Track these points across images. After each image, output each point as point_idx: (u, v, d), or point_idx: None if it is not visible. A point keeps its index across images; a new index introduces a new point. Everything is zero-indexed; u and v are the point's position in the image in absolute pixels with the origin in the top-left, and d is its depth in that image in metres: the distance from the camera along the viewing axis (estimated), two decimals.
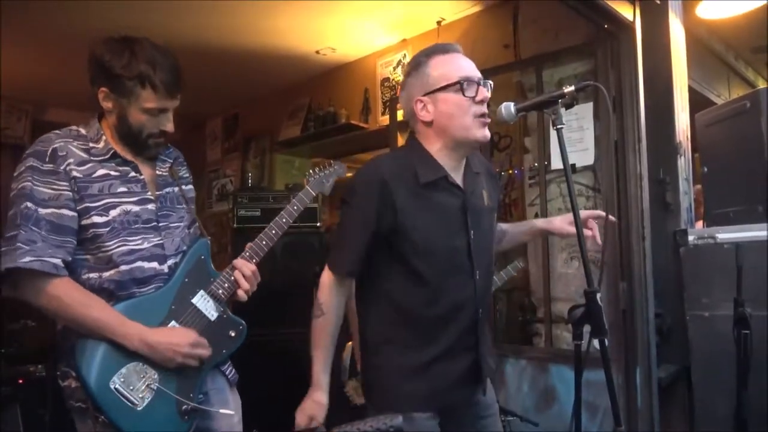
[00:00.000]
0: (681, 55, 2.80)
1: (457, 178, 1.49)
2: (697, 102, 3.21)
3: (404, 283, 1.44)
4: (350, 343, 2.29)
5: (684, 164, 2.70)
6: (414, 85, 1.47)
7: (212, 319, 1.49)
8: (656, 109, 2.61)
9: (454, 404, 1.49)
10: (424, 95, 1.44)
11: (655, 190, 2.58)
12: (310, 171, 1.75)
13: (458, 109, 1.42)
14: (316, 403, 1.42)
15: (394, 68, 3.82)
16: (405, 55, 3.75)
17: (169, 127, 1.48)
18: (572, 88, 1.32)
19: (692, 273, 2.43)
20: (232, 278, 1.51)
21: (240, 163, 5.07)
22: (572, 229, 1.55)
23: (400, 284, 1.44)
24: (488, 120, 1.45)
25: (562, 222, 1.65)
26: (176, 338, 1.39)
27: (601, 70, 2.62)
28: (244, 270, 1.51)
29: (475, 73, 1.46)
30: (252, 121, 5.02)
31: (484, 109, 1.44)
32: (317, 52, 3.94)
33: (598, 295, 1.24)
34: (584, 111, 2.66)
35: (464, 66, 1.46)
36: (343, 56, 4.04)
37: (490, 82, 1.49)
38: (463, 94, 1.42)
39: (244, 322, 1.55)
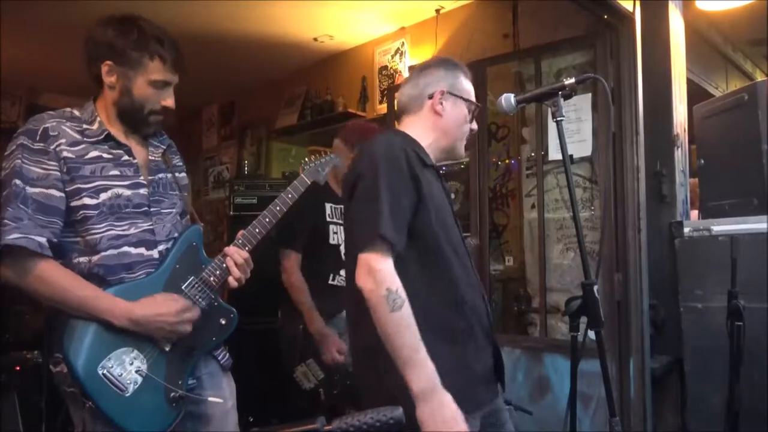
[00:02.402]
0: (680, 47, 2.78)
1: None
2: (696, 94, 3.19)
3: (430, 265, 1.32)
4: (300, 326, 2.30)
5: (681, 156, 2.68)
6: (443, 77, 1.51)
7: (202, 306, 1.47)
8: (654, 101, 2.60)
9: (491, 400, 1.40)
10: (449, 92, 1.50)
11: (652, 182, 2.57)
12: (306, 159, 1.75)
13: (463, 122, 1.53)
14: (456, 412, 1.15)
15: (392, 56, 3.78)
16: (403, 43, 3.72)
17: (170, 102, 1.48)
18: (573, 80, 1.31)
19: (687, 265, 2.43)
20: (224, 265, 1.49)
21: (236, 150, 5.04)
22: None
23: (427, 266, 1.32)
24: (465, 141, 1.56)
25: None
26: (161, 308, 1.38)
27: (600, 61, 2.60)
28: (236, 257, 1.48)
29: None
30: (249, 109, 4.98)
31: (470, 128, 1.56)
32: (315, 39, 3.90)
33: (596, 288, 1.23)
34: (582, 102, 2.65)
35: (473, 93, 1.58)
36: (341, 44, 4.00)
37: (479, 105, 1.61)
38: (468, 113, 1.53)
39: (234, 310, 1.53)
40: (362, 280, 1.20)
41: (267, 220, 1.55)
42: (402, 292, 1.20)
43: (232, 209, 3.61)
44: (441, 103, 1.49)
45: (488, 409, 1.38)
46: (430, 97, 1.49)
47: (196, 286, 1.47)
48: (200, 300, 1.47)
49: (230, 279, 1.49)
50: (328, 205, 2.39)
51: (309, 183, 1.68)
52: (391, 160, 1.31)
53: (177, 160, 1.62)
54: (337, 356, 2.23)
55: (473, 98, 1.55)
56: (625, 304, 2.44)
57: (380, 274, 1.19)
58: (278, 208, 1.58)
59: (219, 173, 5.17)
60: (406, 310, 1.18)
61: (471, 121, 1.54)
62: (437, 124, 1.49)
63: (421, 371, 1.15)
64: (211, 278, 1.48)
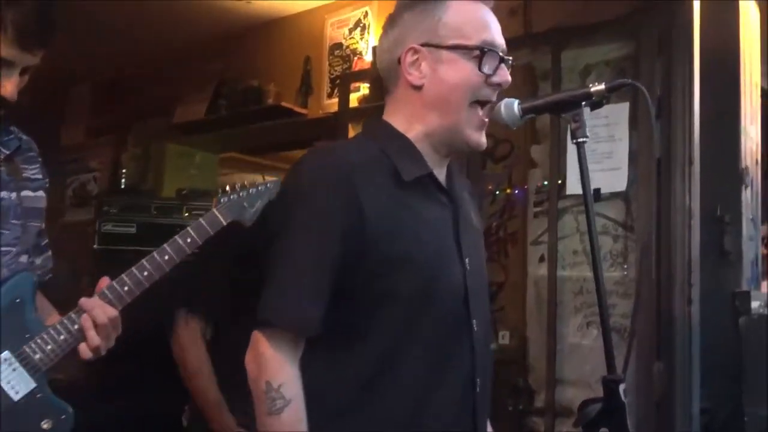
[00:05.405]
0: (753, 44, 2.88)
1: (441, 179, 1.48)
2: None
3: (369, 340, 1.36)
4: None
5: (751, 198, 2.76)
6: (412, 26, 1.44)
7: (16, 399, 1.42)
8: (716, 118, 2.66)
9: None
10: (424, 45, 1.42)
11: (710, 233, 2.62)
12: (226, 188, 1.60)
13: (465, 84, 1.41)
14: None
15: (351, 31, 3.84)
16: (366, 13, 3.78)
17: (9, 90, 1.44)
18: (602, 86, 1.32)
19: (756, 353, 2.48)
20: (76, 327, 1.45)
21: (112, 152, 5.03)
22: None
23: (361, 344, 1.36)
24: (486, 121, 1.44)
25: None
26: None
27: (644, 57, 2.68)
28: (97, 314, 1.44)
29: (501, 41, 1.45)
30: (136, 92, 4.98)
31: (492, 96, 1.42)
32: None
33: (622, 387, 1.23)
34: (617, 114, 2.70)
35: (491, 27, 1.45)
36: (276, 7, 4.04)
37: (511, 58, 1.47)
38: (479, 68, 1.41)
39: (70, 407, 1.48)
40: (248, 361, 1.35)
41: (145, 274, 1.50)
42: (288, 390, 1.31)
43: (98, 241, 3.55)
44: (414, 68, 1.42)
45: None
46: (400, 62, 1.43)
47: (12, 366, 1.42)
48: (16, 388, 1.42)
49: (82, 347, 1.45)
50: None
51: (224, 224, 1.58)
52: (319, 198, 1.34)
53: (33, 171, 1.60)
54: None
55: (474, 36, 1.41)
56: (669, 407, 2.46)
57: (263, 360, 1.33)
58: (167, 257, 1.52)
59: (83, 184, 5.14)
60: (288, 416, 1.30)
61: (493, 73, 1.41)
62: (422, 102, 1.43)
63: None
64: (37, 356, 1.44)
